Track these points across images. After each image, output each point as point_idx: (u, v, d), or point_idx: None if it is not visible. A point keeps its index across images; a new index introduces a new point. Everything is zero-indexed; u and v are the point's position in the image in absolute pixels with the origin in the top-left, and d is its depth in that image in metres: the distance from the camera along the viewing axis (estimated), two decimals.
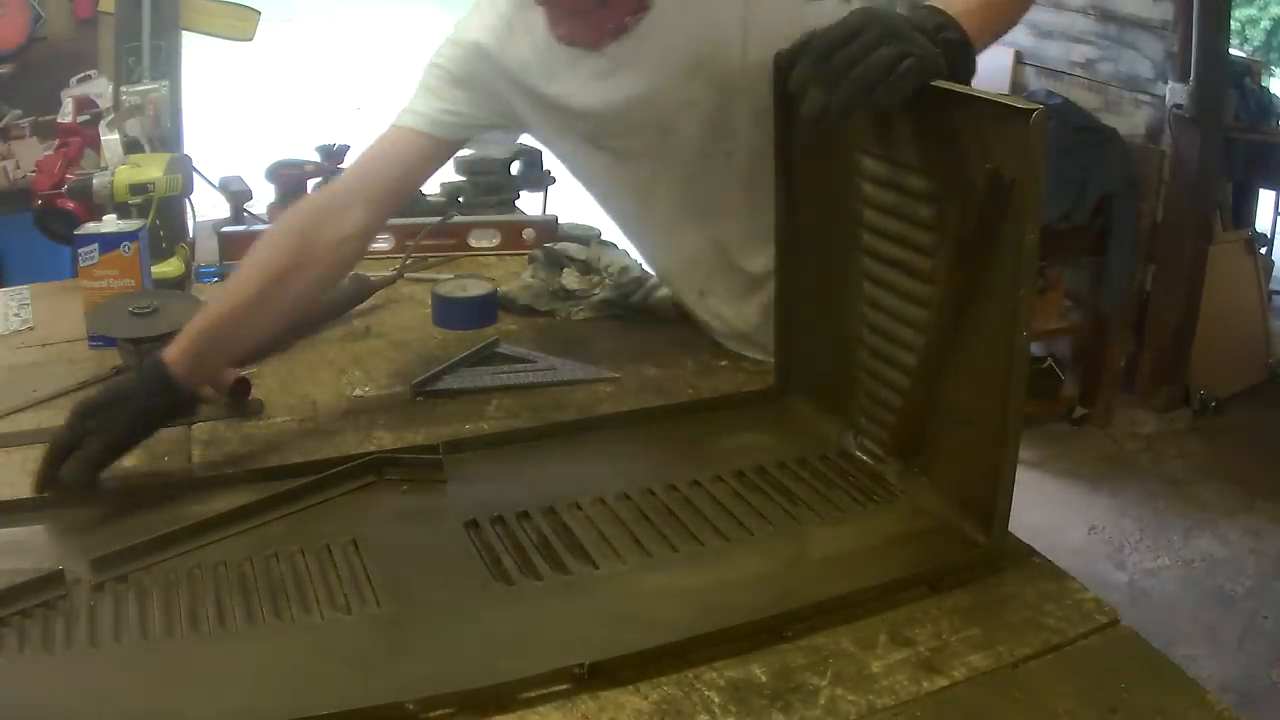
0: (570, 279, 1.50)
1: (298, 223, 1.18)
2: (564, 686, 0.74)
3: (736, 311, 1.31)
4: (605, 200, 1.33)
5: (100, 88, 1.99)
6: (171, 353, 1.06)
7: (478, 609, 0.84)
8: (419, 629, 0.81)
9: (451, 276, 1.57)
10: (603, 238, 1.65)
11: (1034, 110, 0.78)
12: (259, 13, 2.77)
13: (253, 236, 1.71)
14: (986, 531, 0.89)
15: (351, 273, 1.50)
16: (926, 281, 0.93)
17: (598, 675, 0.75)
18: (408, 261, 1.56)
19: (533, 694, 0.74)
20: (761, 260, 1.23)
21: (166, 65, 2.64)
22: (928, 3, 0.92)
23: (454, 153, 1.26)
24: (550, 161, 1.89)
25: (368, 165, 1.20)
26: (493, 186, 1.86)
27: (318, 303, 1.22)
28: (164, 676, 0.76)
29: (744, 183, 1.21)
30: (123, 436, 1.02)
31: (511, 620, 0.83)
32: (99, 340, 1.34)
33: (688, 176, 1.23)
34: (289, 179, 1.84)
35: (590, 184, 1.31)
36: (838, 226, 1.02)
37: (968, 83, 0.90)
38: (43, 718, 0.73)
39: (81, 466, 0.98)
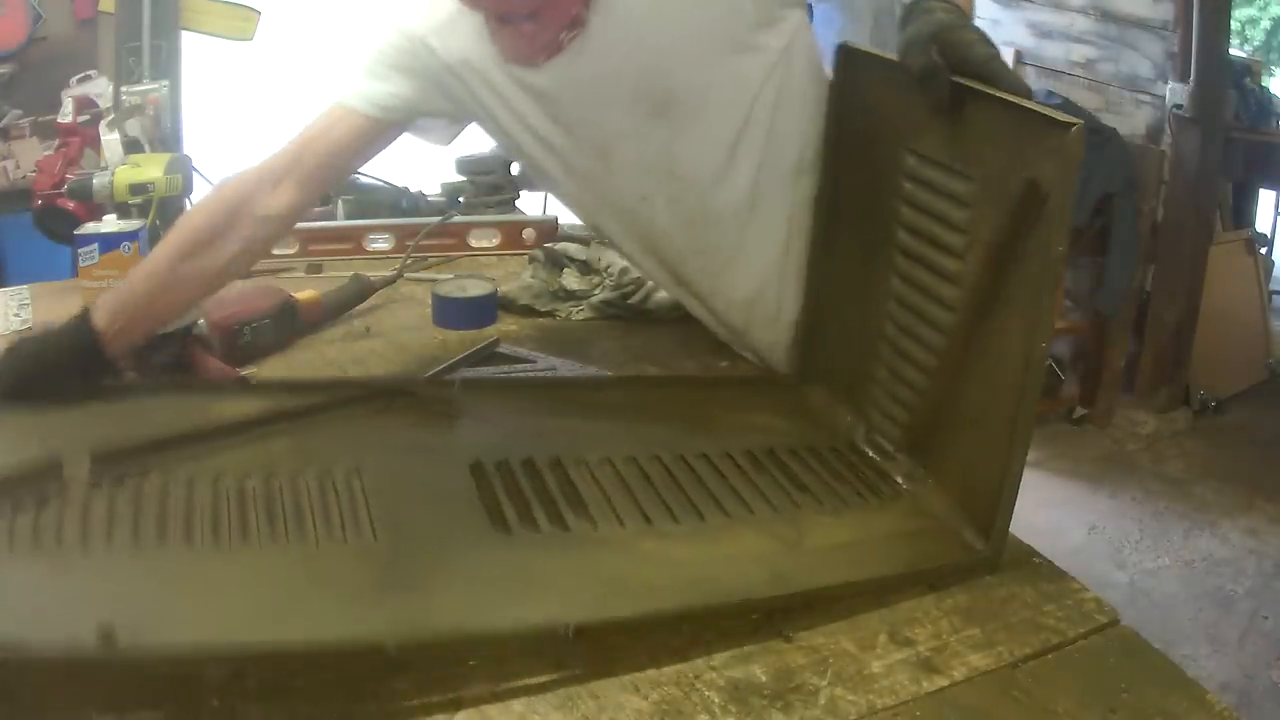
0: (570, 279, 1.50)
1: (228, 193, 1.14)
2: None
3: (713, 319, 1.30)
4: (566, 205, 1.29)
5: (100, 88, 1.99)
6: (97, 311, 1.06)
7: (473, 553, 0.84)
8: (411, 566, 0.81)
9: (451, 276, 1.57)
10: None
11: (1074, 124, 0.80)
12: (259, 13, 2.77)
13: None
14: (985, 538, 0.89)
15: (352, 273, 1.50)
16: (953, 283, 0.94)
17: (583, 639, 0.75)
18: (408, 261, 1.56)
19: (515, 661, 0.74)
20: (727, 292, 1.23)
21: (166, 65, 2.64)
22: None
23: (394, 138, 1.20)
24: None
25: (303, 144, 1.15)
26: (493, 186, 1.86)
27: (233, 279, 1.18)
28: (151, 585, 0.76)
29: (692, 224, 1.18)
30: (22, 380, 1.01)
31: (504, 569, 0.82)
32: None
33: (631, 209, 1.19)
34: None
35: (543, 183, 1.28)
36: (874, 222, 1.04)
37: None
38: (22, 615, 0.72)
39: None
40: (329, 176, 1.20)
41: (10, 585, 0.76)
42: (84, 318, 1.05)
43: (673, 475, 0.97)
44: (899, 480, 1.00)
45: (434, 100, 1.17)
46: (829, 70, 1.14)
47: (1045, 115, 0.83)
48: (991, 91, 0.88)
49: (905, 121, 0.98)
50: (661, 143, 1.15)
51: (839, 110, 1.08)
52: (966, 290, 0.92)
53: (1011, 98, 0.86)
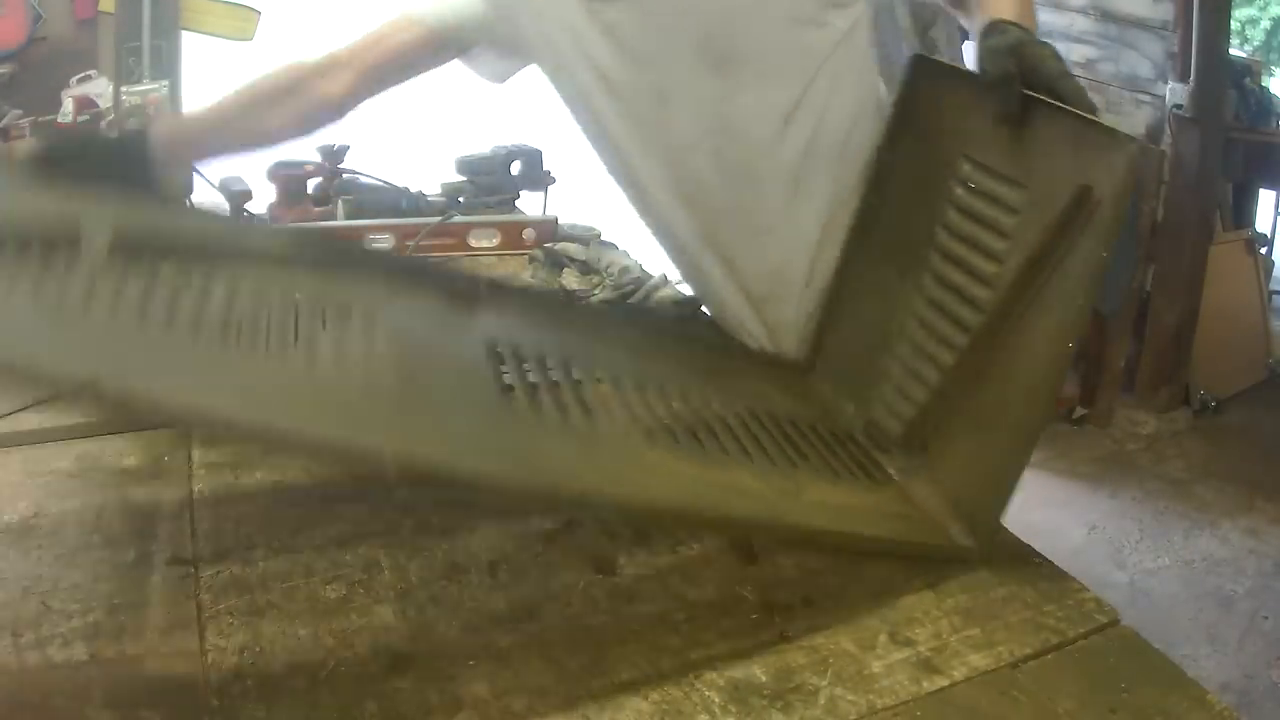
0: (570, 279, 1.50)
1: (294, 69, 1.22)
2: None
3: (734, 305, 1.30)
4: (603, 155, 1.29)
5: (100, 88, 1.99)
6: (155, 124, 1.11)
7: (478, 412, 0.84)
8: (417, 401, 0.81)
9: None
10: (603, 238, 1.65)
11: (1134, 140, 0.83)
12: (259, 13, 2.77)
13: None
14: (973, 534, 0.90)
15: None
16: (988, 285, 0.95)
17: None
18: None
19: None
20: (756, 259, 1.23)
21: (166, 65, 2.64)
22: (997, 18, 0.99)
23: (449, 58, 1.25)
24: (550, 161, 1.90)
25: (367, 43, 1.22)
26: (493, 186, 1.86)
27: (277, 144, 1.28)
28: (148, 356, 0.74)
29: (736, 182, 1.20)
30: (63, 159, 1.06)
31: (506, 431, 0.83)
32: None
33: (678, 158, 1.21)
34: (289, 179, 1.84)
35: (589, 134, 1.28)
36: (915, 223, 1.05)
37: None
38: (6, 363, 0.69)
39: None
40: (384, 78, 1.24)
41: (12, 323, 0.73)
42: (141, 129, 1.11)
43: (676, 410, 0.98)
44: (891, 472, 1.01)
45: (499, 25, 1.20)
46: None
47: (1107, 129, 0.86)
48: (1058, 105, 0.91)
49: (967, 129, 1.02)
50: (719, 97, 1.17)
51: (902, 113, 1.11)
52: (1000, 292, 0.93)
53: (1076, 111, 0.90)
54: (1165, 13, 3.34)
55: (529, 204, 1.92)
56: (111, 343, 0.75)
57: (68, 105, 1.94)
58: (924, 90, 1.10)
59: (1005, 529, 0.96)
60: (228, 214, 1.03)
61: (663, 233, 1.31)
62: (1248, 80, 3.98)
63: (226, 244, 0.93)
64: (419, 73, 1.27)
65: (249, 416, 0.71)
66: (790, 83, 1.18)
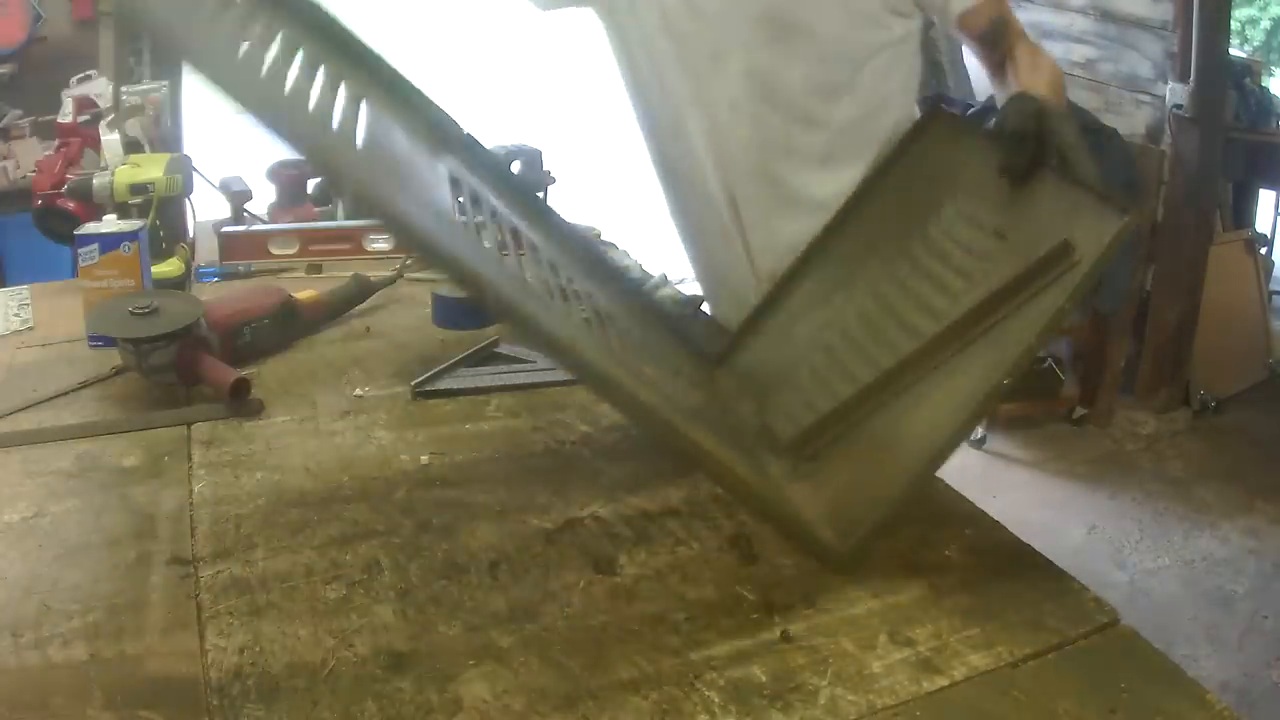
0: None
1: None
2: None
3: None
4: (643, 102, 1.32)
5: (100, 88, 1.99)
6: None
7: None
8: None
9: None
10: (603, 238, 1.65)
11: (1128, 213, 0.86)
12: None
13: (253, 236, 1.71)
14: (843, 539, 0.89)
15: (352, 273, 1.50)
16: (933, 318, 0.97)
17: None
18: (408, 261, 1.56)
19: None
20: (772, 233, 1.27)
21: (166, 65, 2.64)
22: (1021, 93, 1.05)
23: None
24: (550, 161, 1.90)
25: None
26: None
27: None
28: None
29: (769, 151, 1.25)
30: None
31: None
32: (99, 340, 1.34)
33: (721, 116, 1.25)
34: (289, 179, 1.84)
35: (636, 80, 1.31)
36: (880, 249, 1.09)
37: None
38: None
39: None
40: None
41: None
42: None
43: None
44: (773, 471, 1.00)
45: None
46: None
47: (1105, 197, 0.89)
48: (1061, 172, 0.95)
49: (960, 179, 1.05)
50: (770, 65, 1.22)
51: (904, 149, 1.15)
52: (942, 325, 0.95)
53: (1079, 180, 0.93)
54: (1165, 13, 3.34)
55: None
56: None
57: (68, 105, 1.94)
58: (931, 134, 1.15)
59: (1005, 529, 0.96)
60: None
61: (685, 191, 1.33)
62: (1248, 80, 3.98)
63: None
64: None
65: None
66: (839, 68, 1.23)
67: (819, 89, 1.24)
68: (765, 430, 1.06)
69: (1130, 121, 3.46)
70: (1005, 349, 0.89)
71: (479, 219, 1.03)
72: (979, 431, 3.27)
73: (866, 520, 0.88)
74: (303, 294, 1.40)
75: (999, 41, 1.23)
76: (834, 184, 1.24)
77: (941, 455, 0.88)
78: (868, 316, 1.05)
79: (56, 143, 1.96)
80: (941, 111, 1.16)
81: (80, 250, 1.37)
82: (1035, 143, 0.97)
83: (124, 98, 1.88)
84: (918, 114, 1.28)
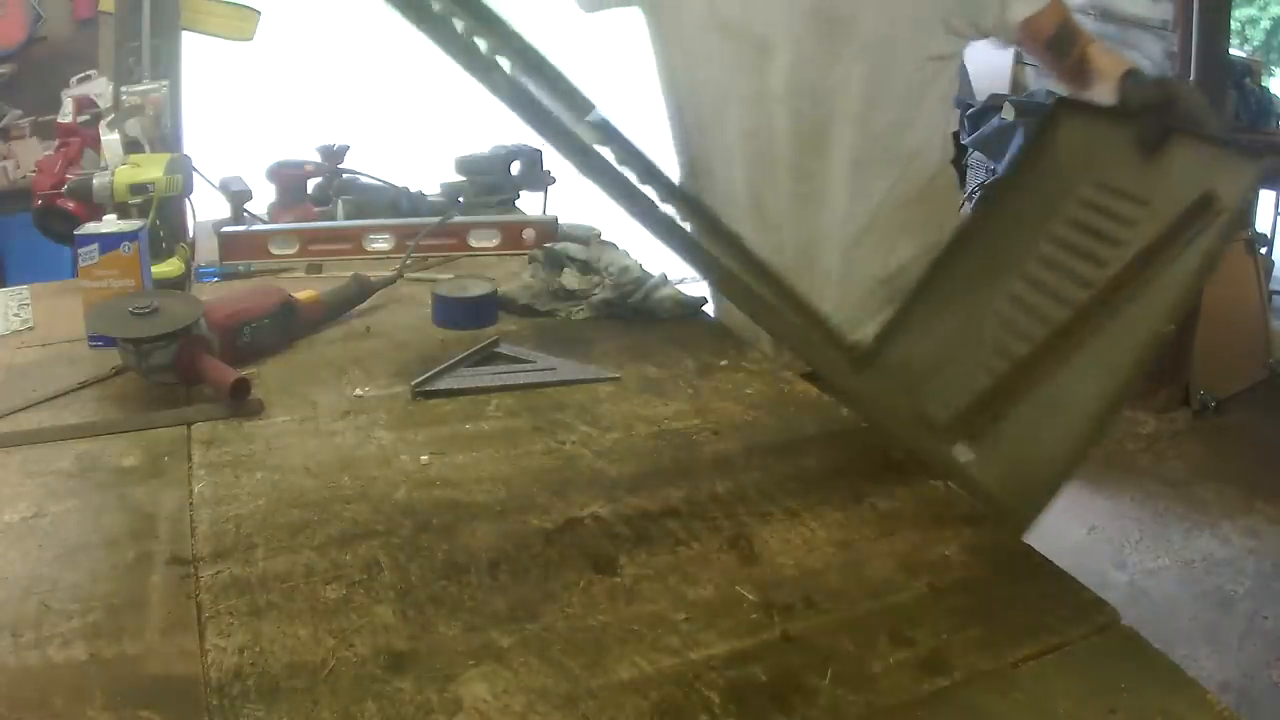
0: (570, 279, 1.50)
1: None
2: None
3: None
4: (678, 97, 1.33)
5: (100, 88, 1.99)
6: None
7: None
8: None
9: (451, 276, 1.57)
10: (603, 238, 1.65)
11: (1262, 159, 0.93)
12: (259, 13, 2.77)
13: (253, 236, 1.71)
14: (1025, 505, 0.94)
15: (352, 273, 1.50)
16: (1085, 286, 1.01)
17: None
18: (408, 261, 1.57)
19: None
20: (798, 226, 1.29)
21: (166, 65, 2.64)
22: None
23: None
24: (550, 161, 1.90)
25: None
26: (493, 186, 1.86)
27: None
28: None
29: (803, 142, 1.26)
30: None
31: None
32: (99, 340, 1.34)
33: (763, 107, 1.26)
34: (289, 179, 1.84)
35: (674, 75, 1.32)
36: (1019, 237, 1.13)
37: None
38: None
39: None
40: None
41: None
42: None
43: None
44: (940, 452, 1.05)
45: None
46: None
47: (1236, 149, 0.94)
48: (1192, 132, 1.01)
49: (1095, 158, 1.10)
50: (817, 60, 1.23)
51: (1035, 148, 1.18)
52: (1093, 291, 1.00)
53: (1210, 135, 0.98)
54: (1165, 13, 3.34)
55: (529, 204, 1.92)
56: None
57: (68, 105, 1.94)
58: (1061, 126, 1.17)
59: (1005, 529, 0.96)
60: None
61: (707, 186, 1.34)
62: (1248, 80, 3.98)
63: None
64: None
65: None
66: (883, 73, 1.24)
67: (861, 89, 1.25)
68: (922, 417, 1.09)
69: None
70: (1165, 296, 0.94)
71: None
72: None
73: (1048, 484, 0.93)
74: (303, 294, 1.40)
75: (1068, 48, 1.24)
76: (863, 191, 1.27)
77: (1112, 411, 0.93)
78: (1018, 297, 1.09)
79: (56, 143, 1.96)
80: (1061, 100, 1.18)
81: (80, 250, 1.37)
82: (1163, 110, 1.01)
83: (124, 98, 1.88)
84: (949, 129, 1.32)
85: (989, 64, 3.79)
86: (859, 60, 1.23)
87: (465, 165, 1.87)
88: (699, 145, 1.35)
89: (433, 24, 0.81)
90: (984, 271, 1.15)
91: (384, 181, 1.84)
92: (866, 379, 1.19)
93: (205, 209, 1.81)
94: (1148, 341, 0.93)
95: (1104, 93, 1.14)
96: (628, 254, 1.56)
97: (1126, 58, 1.23)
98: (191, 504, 0.99)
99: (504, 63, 0.92)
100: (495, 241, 1.75)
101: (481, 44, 0.90)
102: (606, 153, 0.96)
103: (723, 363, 1.32)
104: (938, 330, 1.17)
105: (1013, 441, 1.00)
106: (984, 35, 1.26)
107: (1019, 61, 3.77)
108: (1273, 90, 4.66)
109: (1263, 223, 4.45)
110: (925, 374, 1.13)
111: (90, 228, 1.40)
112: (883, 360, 1.22)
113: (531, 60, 1.04)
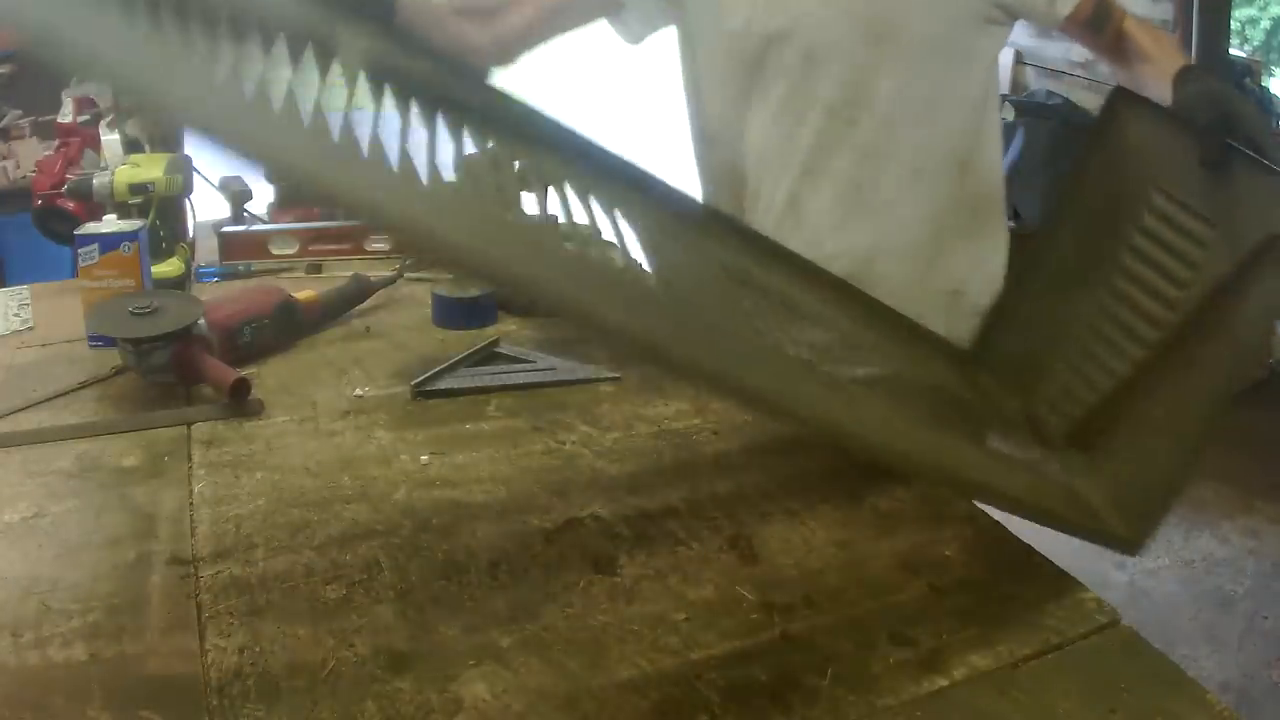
0: None
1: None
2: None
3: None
4: (722, 118, 1.33)
5: (100, 87, 1.99)
6: None
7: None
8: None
9: (451, 276, 1.58)
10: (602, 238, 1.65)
11: None
12: None
13: (253, 236, 1.71)
14: (1132, 529, 0.93)
15: (352, 273, 1.50)
16: (1170, 307, 1.03)
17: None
18: (408, 261, 1.57)
19: None
20: (845, 236, 1.27)
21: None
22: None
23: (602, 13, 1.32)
24: None
25: None
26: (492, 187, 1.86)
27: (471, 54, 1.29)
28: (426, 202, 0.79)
29: (851, 155, 1.25)
30: None
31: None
32: (99, 340, 1.34)
33: (813, 123, 1.25)
34: None
35: (716, 96, 1.32)
36: (1101, 240, 1.13)
37: None
38: None
39: None
40: (554, 22, 1.32)
41: None
42: None
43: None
44: (1056, 465, 1.05)
45: None
46: None
47: None
48: (1255, 157, 0.99)
49: (1161, 162, 1.09)
50: (864, 69, 1.22)
51: (1099, 140, 1.17)
52: (1180, 314, 1.02)
53: (1273, 166, 0.97)
54: (1165, 13, 3.34)
55: (528, 204, 1.91)
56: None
57: (68, 105, 1.94)
58: (1123, 121, 1.16)
59: (1005, 528, 0.96)
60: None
61: (736, 192, 1.33)
62: (1248, 80, 3.98)
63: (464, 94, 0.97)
64: (578, 24, 1.34)
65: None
66: (937, 77, 1.23)
67: (914, 96, 1.24)
68: (1037, 422, 1.11)
69: None
70: (1243, 336, 0.94)
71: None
72: None
73: (1156, 506, 0.93)
74: (303, 294, 1.40)
75: (1104, 25, 1.22)
76: (921, 199, 1.27)
77: (1205, 441, 0.92)
78: (1107, 309, 1.10)
79: (56, 143, 1.96)
80: (1120, 92, 1.17)
81: (80, 250, 1.37)
82: (1220, 129, 1.00)
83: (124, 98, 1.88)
84: (999, 131, 1.32)
85: None
86: (911, 66, 1.22)
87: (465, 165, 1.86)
88: (727, 159, 1.33)
89: None
90: (1069, 274, 1.16)
91: None
92: (976, 376, 1.20)
93: (205, 209, 1.81)
94: (1232, 371, 0.94)
95: (1159, 89, 1.12)
96: (628, 254, 1.57)
97: (1168, 41, 1.20)
98: (191, 504, 0.99)
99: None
100: None
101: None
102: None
103: None
104: (1039, 330, 1.18)
105: (1118, 462, 1.00)
106: (1026, 17, 1.26)
107: (1019, 62, 3.77)
108: (1273, 90, 4.66)
109: None
110: (1033, 376, 1.15)
111: (90, 228, 1.40)
112: (988, 357, 1.23)
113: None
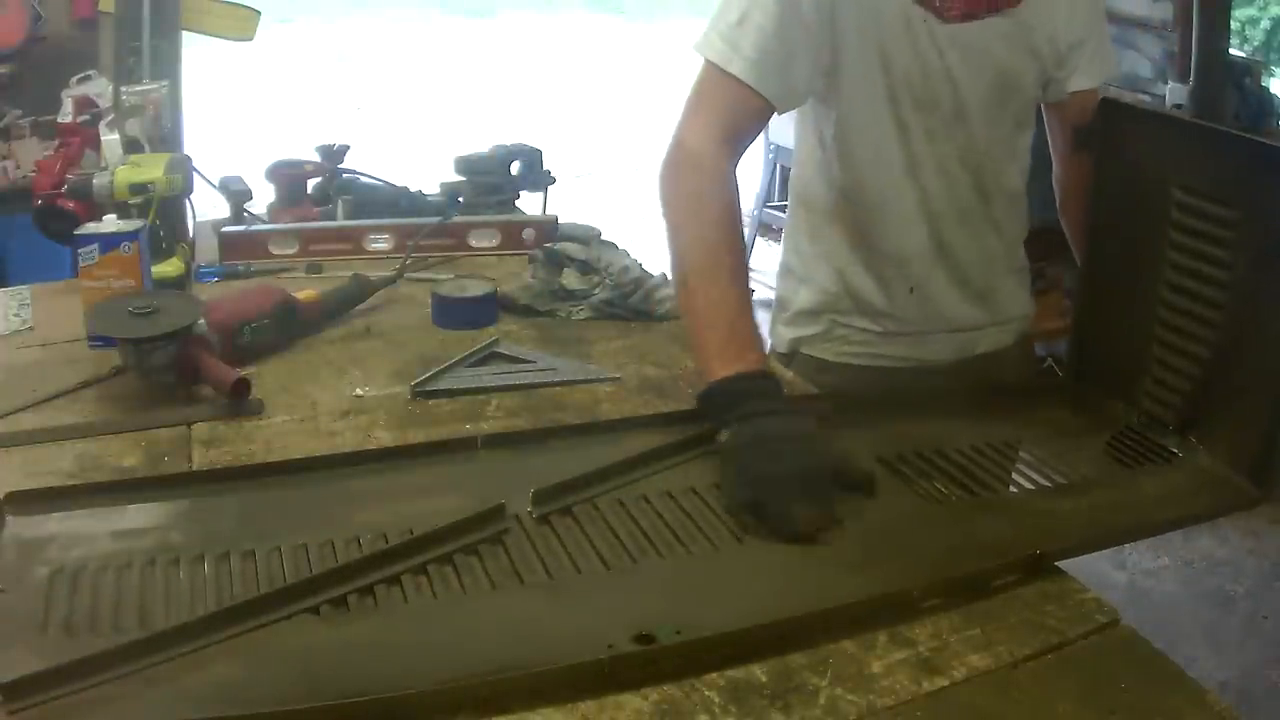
0: (570, 279, 1.50)
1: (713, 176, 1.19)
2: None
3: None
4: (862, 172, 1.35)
5: (100, 88, 1.98)
6: (755, 358, 1.08)
7: None
8: None
9: (451, 276, 1.57)
10: (603, 238, 1.65)
11: None
12: (259, 13, 2.77)
13: (253, 236, 1.71)
14: (1257, 483, 1.07)
15: (352, 273, 1.50)
16: (1222, 288, 1.11)
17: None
18: (408, 261, 1.56)
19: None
20: (970, 252, 1.39)
21: (166, 65, 2.64)
22: None
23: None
24: (550, 161, 1.90)
25: (709, 118, 1.21)
26: (492, 186, 1.86)
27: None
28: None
29: (979, 194, 1.36)
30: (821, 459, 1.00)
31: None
32: (99, 340, 1.34)
33: (963, 172, 1.34)
34: (289, 179, 1.84)
35: (862, 153, 1.34)
36: (1143, 239, 1.21)
37: None
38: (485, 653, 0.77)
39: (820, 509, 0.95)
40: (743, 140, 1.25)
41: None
42: (772, 378, 1.09)
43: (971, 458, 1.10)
44: (1175, 450, 1.15)
45: (820, 43, 1.23)
46: None
47: None
48: (1253, 136, 1.11)
49: (1172, 161, 1.18)
50: (996, 120, 1.32)
51: (1104, 153, 1.27)
52: (1233, 293, 1.10)
53: (1269, 141, 1.05)
54: (1165, 13, 3.34)
55: (529, 204, 1.92)
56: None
57: (68, 105, 1.94)
58: (1125, 128, 1.26)
59: None
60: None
61: (880, 234, 1.37)
62: (1248, 80, 3.97)
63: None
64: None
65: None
66: (1029, 122, 1.39)
67: (1011, 140, 1.36)
68: (1148, 417, 1.20)
69: None
70: None
71: None
72: None
73: (1271, 457, 1.05)
74: (303, 294, 1.40)
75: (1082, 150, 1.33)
76: (1015, 217, 1.41)
77: None
78: (1169, 303, 1.18)
79: (56, 143, 1.96)
80: (1108, 102, 1.28)
81: (80, 250, 1.37)
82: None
83: (124, 98, 1.88)
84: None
85: None
86: (1017, 115, 1.35)
87: (465, 165, 1.86)
88: (873, 214, 1.36)
89: None
90: (1127, 274, 1.24)
91: (383, 181, 1.84)
92: (1082, 391, 1.29)
93: (205, 209, 1.81)
94: None
95: None
96: (627, 254, 1.57)
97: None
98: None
99: None
100: (495, 241, 1.75)
101: None
102: None
103: None
104: (1116, 332, 1.27)
105: (1231, 428, 1.12)
106: (1055, 72, 1.34)
107: None
108: (1273, 90, 4.65)
109: None
110: (1130, 373, 1.23)
111: (90, 228, 1.40)
112: (1085, 370, 1.32)
113: None
